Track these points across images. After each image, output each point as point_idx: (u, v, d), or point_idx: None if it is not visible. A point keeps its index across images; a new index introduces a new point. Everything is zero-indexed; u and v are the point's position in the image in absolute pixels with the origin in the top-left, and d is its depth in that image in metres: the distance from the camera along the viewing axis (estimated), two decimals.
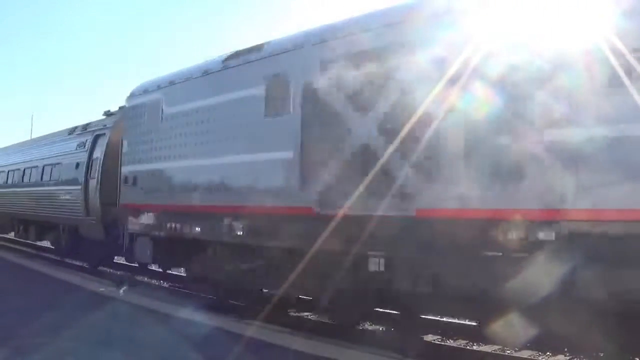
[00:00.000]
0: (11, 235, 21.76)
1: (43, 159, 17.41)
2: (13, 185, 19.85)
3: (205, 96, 9.35)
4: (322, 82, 7.44)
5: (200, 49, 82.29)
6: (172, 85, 10.29)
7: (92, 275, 13.19)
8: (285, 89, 7.90)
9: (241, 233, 8.47)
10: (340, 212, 6.87)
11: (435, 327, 8.14)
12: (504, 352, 7.20)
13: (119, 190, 11.39)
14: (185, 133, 9.64)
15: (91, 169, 13.85)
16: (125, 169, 11.21)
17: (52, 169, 16.47)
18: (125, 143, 11.40)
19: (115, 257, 15.05)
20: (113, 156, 12.51)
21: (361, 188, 6.73)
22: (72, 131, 16.41)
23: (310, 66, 7.62)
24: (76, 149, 15.06)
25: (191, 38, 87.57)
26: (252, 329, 7.36)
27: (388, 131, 6.62)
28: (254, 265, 8.48)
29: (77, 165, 14.52)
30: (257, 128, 8.25)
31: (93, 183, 13.61)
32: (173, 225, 9.76)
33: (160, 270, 12.60)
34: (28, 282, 11.71)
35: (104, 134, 13.89)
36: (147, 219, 10.46)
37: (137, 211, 10.72)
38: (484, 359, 7.00)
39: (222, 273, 9.09)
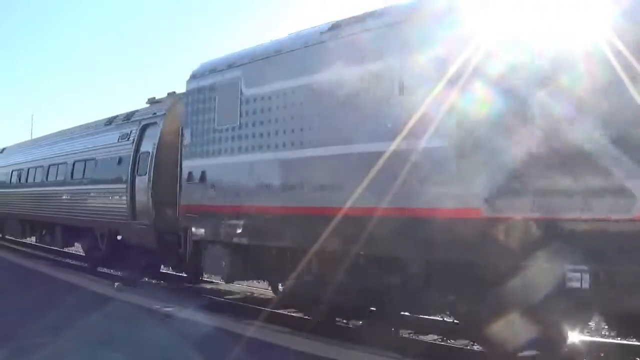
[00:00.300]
0: (30, 240, 19.81)
1: (72, 154, 15.25)
2: (33, 185, 17.59)
3: (310, 72, 7.55)
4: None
5: (200, 51, 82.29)
6: (255, 61, 8.51)
7: (93, 275, 13.18)
8: None
9: (367, 241, 6.63)
10: (521, 215, 5.52)
11: (436, 327, 8.13)
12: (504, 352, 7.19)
13: (180, 189, 9.74)
14: (278, 118, 7.87)
15: (139, 165, 11.70)
16: (189, 164, 9.42)
17: (84, 165, 14.31)
18: (187, 133, 9.55)
19: (162, 267, 13.44)
20: (167, 149, 10.89)
21: (562, 183, 5.25)
22: (109, 122, 14.18)
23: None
24: (118, 142, 12.88)
25: (191, 39, 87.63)
26: (253, 329, 7.36)
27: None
28: (386, 282, 6.88)
29: (120, 160, 12.39)
30: (392, 109, 6.57)
31: (142, 181, 11.48)
32: (260, 231, 8.10)
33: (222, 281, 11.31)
34: (28, 282, 11.72)
35: (155, 123, 11.72)
36: (221, 223, 8.56)
37: (206, 214, 8.93)
38: (485, 359, 6.99)
39: (330, 289, 7.33)
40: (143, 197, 11.42)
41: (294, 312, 9.24)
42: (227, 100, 8.75)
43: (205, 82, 9.27)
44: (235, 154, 8.51)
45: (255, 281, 11.18)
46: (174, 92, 11.83)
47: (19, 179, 18.90)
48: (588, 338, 6.44)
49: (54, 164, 16.23)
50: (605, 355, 6.82)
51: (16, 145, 22.19)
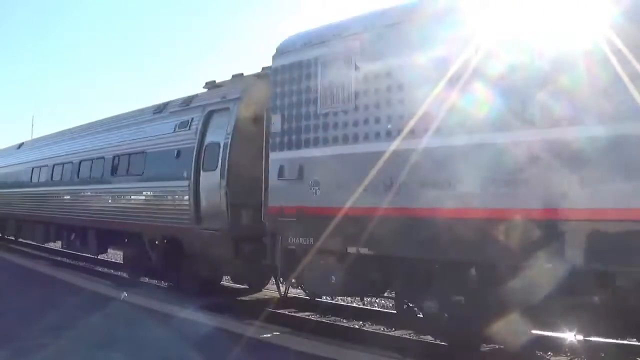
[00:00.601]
0: (54, 245, 18.05)
1: (110, 147, 13.22)
2: (59, 184, 15.52)
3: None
4: None
5: (200, 51, 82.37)
6: (376, 29, 6.96)
7: (93, 275, 13.19)
8: None
9: (574, 251, 5.23)
10: None
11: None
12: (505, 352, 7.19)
13: (266, 188, 8.13)
14: (418, 98, 6.31)
15: (205, 158, 9.82)
16: (279, 156, 7.89)
17: (128, 160, 12.31)
18: (276, 119, 7.99)
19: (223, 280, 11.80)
20: (243, 139, 9.26)
21: None
22: (159, 109, 12.16)
23: None
24: (174, 132, 10.93)
25: (191, 39, 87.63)
26: (253, 329, 7.37)
27: None
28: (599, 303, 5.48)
29: (178, 153, 10.49)
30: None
31: (211, 177, 9.58)
32: (389, 239, 6.61)
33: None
34: (29, 283, 11.71)
35: (226, 109, 9.78)
36: (329, 228, 6.96)
37: (307, 217, 7.42)
38: (485, 359, 6.99)
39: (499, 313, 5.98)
40: (212, 196, 9.51)
41: (294, 313, 9.25)
42: (334, 77, 7.27)
43: (301, 57, 7.77)
44: (350, 143, 7.03)
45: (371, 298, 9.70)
46: (241, 74, 10.35)
47: (40, 177, 16.99)
48: (588, 338, 6.43)
49: (85, 160, 14.23)
50: (605, 355, 6.82)
51: (35, 140, 20.21)
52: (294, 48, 7.99)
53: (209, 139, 9.93)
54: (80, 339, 6.50)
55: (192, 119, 10.53)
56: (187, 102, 11.22)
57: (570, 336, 6.52)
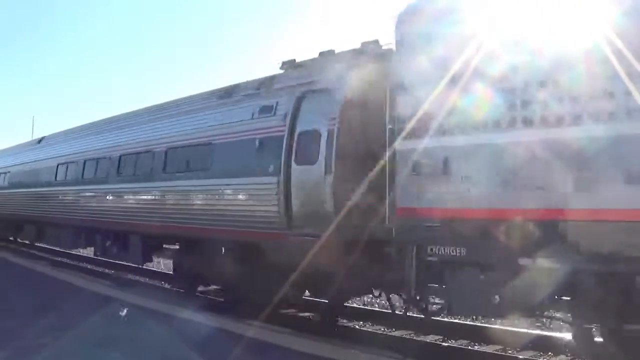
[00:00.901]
0: (84, 252, 16.43)
1: (163, 139, 11.14)
2: (94, 181, 13.38)
3: None
4: None
5: (201, 51, 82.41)
6: None
7: (93, 276, 13.19)
8: None
9: None
10: None
11: (436, 327, 8.14)
12: (505, 352, 7.21)
13: (391, 185, 6.65)
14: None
15: (298, 149, 8.11)
16: (412, 146, 6.40)
17: (188, 153, 10.40)
18: (404, 100, 6.56)
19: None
20: (353, 126, 7.63)
21: None
22: (226, 93, 10.32)
23: None
24: (252, 119, 9.11)
25: (192, 40, 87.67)
26: (253, 330, 7.37)
27: None
28: None
29: (261, 143, 8.69)
30: None
31: (311, 173, 7.84)
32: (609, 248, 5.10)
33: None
34: (30, 283, 11.72)
35: (325, 90, 8.05)
36: (493, 236, 5.67)
37: (458, 222, 6.03)
38: (485, 359, 7.01)
39: None
40: (311, 195, 7.84)
41: (294, 312, 9.26)
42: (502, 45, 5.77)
43: (452, 16, 6.26)
44: (523, 128, 5.57)
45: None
46: (332, 51, 8.84)
47: (67, 175, 14.88)
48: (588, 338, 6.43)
49: (128, 154, 12.18)
50: (605, 355, 6.82)
51: (60, 134, 17.63)
52: (429, 13, 6.51)
53: (302, 126, 8.18)
54: (81, 339, 6.52)
55: (277, 102, 8.75)
56: (266, 84, 9.45)
57: (570, 336, 6.53)
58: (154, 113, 12.35)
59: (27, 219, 17.71)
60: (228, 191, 9.29)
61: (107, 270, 14.96)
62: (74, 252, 15.99)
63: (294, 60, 9.32)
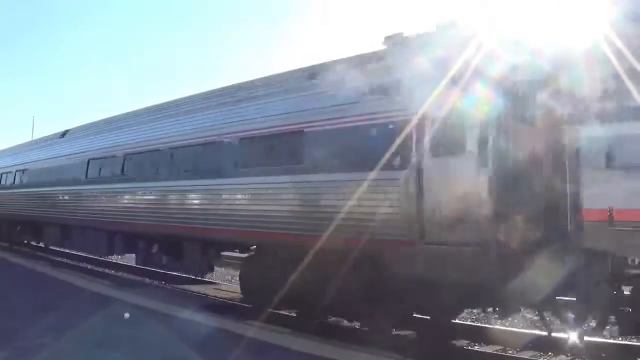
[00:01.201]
0: (121, 260, 15.23)
1: (234, 126, 9.48)
2: (139, 179, 11.66)
3: None
4: None
5: (201, 52, 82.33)
6: None
7: (93, 276, 13.17)
8: None
9: None
10: None
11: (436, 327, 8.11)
12: (505, 352, 7.21)
13: (575, 182, 5.71)
14: None
15: (434, 137, 6.67)
16: (606, 132, 5.39)
17: (269, 144, 8.80)
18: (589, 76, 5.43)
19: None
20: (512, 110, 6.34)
21: None
22: (314, 73, 8.65)
23: None
24: (359, 102, 7.56)
25: (192, 40, 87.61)
26: (253, 330, 7.37)
27: None
28: None
29: (378, 131, 7.25)
30: None
31: (457, 166, 6.45)
32: None
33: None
34: (30, 283, 11.70)
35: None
36: None
37: None
38: (485, 359, 7.01)
39: None
40: (456, 195, 6.39)
41: (294, 313, 9.24)
42: None
43: None
44: None
45: None
46: (454, 21, 7.12)
47: (102, 172, 13.15)
48: (588, 338, 6.43)
49: (184, 147, 10.49)
50: (605, 355, 6.83)
51: (89, 126, 15.49)
52: None
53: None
54: (82, 339, 6.51)
55: (400, 80, 7.02)
56: (375, 59, 7.77)
57: (570, 336, 6.53)
58: (215, 98, 10.54)
59: (53, 221, 15.64)
60: (332, 190, 7.67)
61: (107, 270, 14.98)
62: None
63: (402, 33, 7.74)
